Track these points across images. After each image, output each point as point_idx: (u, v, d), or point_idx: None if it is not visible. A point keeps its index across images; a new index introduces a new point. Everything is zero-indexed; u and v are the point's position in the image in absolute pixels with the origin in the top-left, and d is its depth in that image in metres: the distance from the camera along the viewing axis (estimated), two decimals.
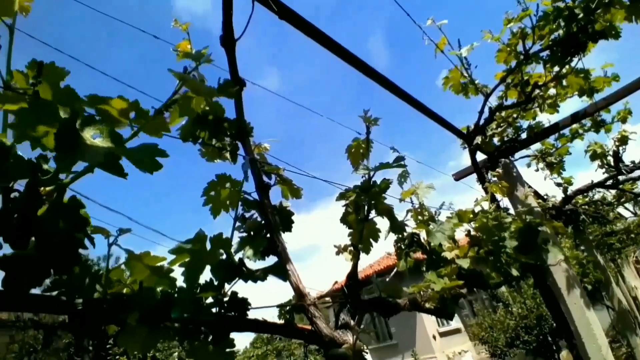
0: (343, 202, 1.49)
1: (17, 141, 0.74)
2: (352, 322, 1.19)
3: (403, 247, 2.12)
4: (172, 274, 1.04)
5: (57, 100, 0.74)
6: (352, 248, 1.33)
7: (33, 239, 0.81)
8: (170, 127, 1.51)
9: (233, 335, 1.06)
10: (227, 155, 1.43)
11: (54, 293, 0.78)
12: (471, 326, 12.34)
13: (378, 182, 1.41)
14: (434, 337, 13.35)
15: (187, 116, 1.50)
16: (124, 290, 0.95)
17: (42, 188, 0.73)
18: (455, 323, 14.16)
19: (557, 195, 5.34)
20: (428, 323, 13.41)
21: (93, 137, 0.68)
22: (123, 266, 0.98)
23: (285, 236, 1.30)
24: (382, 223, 1.55)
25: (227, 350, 1.00)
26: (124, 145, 0.74)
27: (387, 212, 1.33)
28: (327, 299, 1.19)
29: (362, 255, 1.52)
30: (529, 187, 3.36)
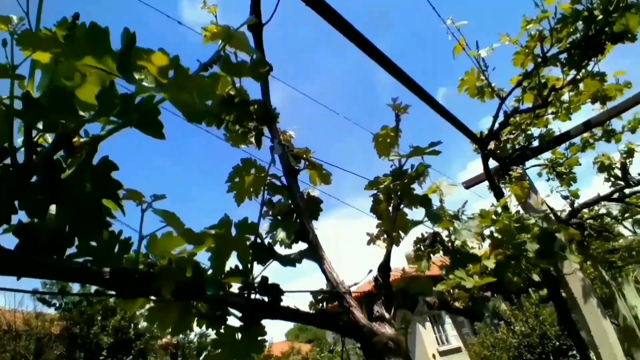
0: (370, 192, 1.42)
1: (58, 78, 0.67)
2: (387, 315, 1.11)
3: (423, 248, 2.04)
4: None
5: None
6: (385, 236, 1.26)
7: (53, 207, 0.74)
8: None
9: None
10: (252, 139, 1.37)
11: (81, 260, 0.70)
12: (472, 345, 12.05)
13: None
14: (434, 357, 13.02)
15: (211, 100, 1.45)
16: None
17: (75, 139, 0.66)
18: (456, 342, 13.85)
19: (563, 209, 5.29)
20: (428, 341, 13.11)
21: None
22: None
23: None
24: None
25: (259, 338, 0.91)
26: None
27: (422, 200, 1.26)
28: (360, 287, 1.11)
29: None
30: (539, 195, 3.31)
